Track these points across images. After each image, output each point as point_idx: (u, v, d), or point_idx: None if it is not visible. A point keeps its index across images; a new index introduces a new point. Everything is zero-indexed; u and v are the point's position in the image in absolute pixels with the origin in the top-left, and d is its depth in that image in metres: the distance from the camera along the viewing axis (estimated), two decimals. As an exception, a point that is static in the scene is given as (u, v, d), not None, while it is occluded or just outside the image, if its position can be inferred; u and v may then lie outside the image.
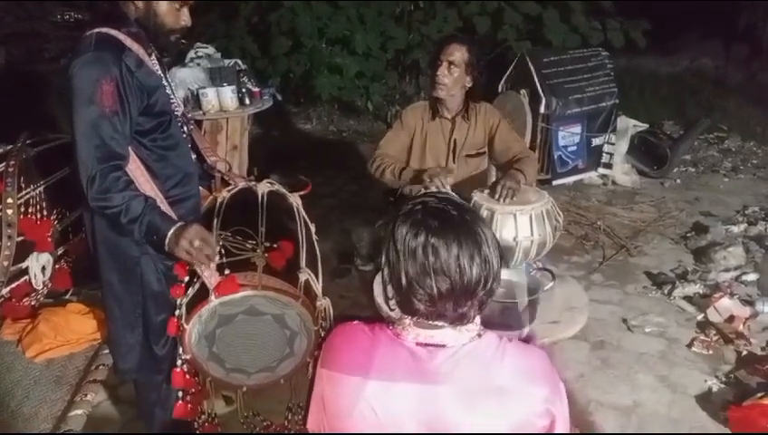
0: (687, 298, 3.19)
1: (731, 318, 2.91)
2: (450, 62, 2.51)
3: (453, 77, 2.53)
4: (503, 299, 1.92)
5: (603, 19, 5.88)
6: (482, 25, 5.86)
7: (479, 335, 1.10)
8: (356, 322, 1.16)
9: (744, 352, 2.75)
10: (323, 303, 1.68)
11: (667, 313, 3.10)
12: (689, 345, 2.84)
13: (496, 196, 2.16)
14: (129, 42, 1.61)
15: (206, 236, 1.55)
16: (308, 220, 1.80)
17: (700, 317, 3.03)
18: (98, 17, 1.65)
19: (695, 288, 3.23)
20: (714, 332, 2.88)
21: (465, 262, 1.04)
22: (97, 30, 1.59)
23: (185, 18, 1.71)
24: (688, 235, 3.97)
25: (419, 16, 6.15)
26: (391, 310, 1.13)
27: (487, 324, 1.15)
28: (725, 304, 2.96)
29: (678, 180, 5.04)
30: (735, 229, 3.95)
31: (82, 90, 1.53)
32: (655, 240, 3.94)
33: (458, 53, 2.51)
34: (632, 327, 2.98)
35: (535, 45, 5.69)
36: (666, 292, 3.27)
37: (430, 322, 1.09)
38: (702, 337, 2.86)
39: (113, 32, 1.60)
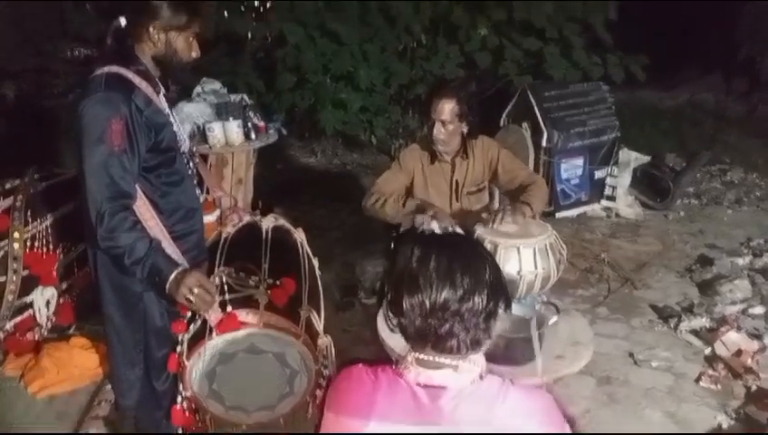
0: (694, 332, 3.16)
1: (739, 352, 2.87)
2: (443, 121, 2.51)
3: (448, 131, 2.54)
4: (508, 334, 1.92)
5: (603, 54, 5.97)
6: (483, 61, 5.96)
7: (481, 377, 1.09)
8: (360, 364, 1.16)
9: (754, 388, 2.70)
10: (324, 341, 1.67)
11: (673, 347, 3.07)
12: (697, 380, 2.80)
13: (492, 221, 2.19)
14: (137, 80, 1.65)
15: (206, 284, 1.57)
16: (311, 256, 1.81)
17: (707, 351, 2.99)
18: (106, 56, 1.68)
19: (701, 322, 3.20)
20: (722, 366, 2.84)
21: (439, 278, 1.06)
22: (107, 69, 1.63)
23: (195, 50, 1.76)
24: (693, 267, 3.95)
25: (422, 53, 6.26)
26: (391, 330, 1.14)
27: (492, 359, 1.14)
28: (733, 338, 2.93)
29: (682, 213, 5.04)
30: (741, 262, 3.93)
31: (93, 129, 1.56)
32: (660, 273, 3.92)
33: (448, 108, 2.49)
34: (639, 362, 2.94)
35: (536, 80, 5.77)
36: (672, 325, 3.24)
37: (428, 357, 1.09)
38: (710, 372, 2.83)
39: (122, 70, 1.64)
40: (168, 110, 1.76)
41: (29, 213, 2.15)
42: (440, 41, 6.19)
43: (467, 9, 5.98)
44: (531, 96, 4.73)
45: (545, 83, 5.47)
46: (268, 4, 6.16)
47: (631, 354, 3.00)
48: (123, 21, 1.67)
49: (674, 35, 7.79)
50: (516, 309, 2.06)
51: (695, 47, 8.00)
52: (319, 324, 1.69)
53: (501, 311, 1.10)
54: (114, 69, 1.63)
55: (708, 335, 3.07)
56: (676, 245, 4.35)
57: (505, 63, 5.93)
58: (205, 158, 3.82)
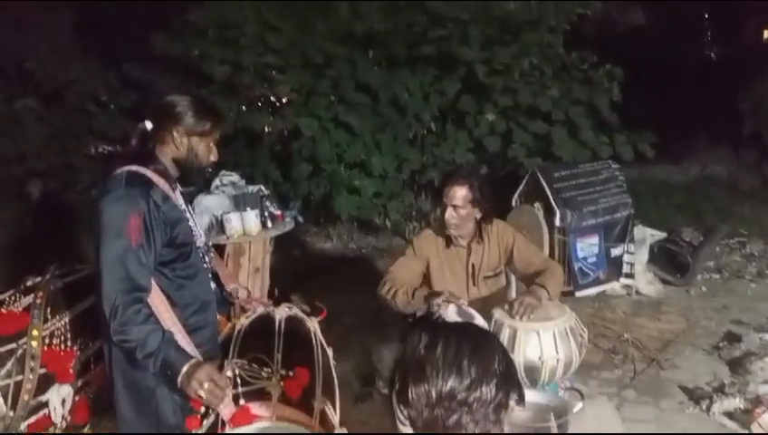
0: (728, 414, 3.01)
1: (778, 435, 2.73)
2: (455, 206, 2.56)
3: (460, 216, 2.58)
4: (531, 423, 1.85)
5: (610, 133, 6.09)
6: (492, 145, 6.10)
7: None
8: None
9: (798, 474, 2.55)
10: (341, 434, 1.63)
11: (707, 430, 2.92)
12: (737, 467, 2.65)
13: (513, 313, 2.15)
14: (156, 178, 1.73)
15: (217, 378, 1.56)
16: (325, 346, 1.80)
17: (745, 435, 2.85)
18: (128, 156, 1.77)
19: (735, 402, 3.06)
20: (762, 451, 2.69)
21: (445, 366, 1.04)
22: (127, 168, 1.71)
23: (214, 154, 1.85)
24: (721, 345, 3.83)
25: (432, 139, 6.44)
26: (401, 422, 1.11)
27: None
28: (770, 420, 2.80)
29: (704, 288, 4.94)
30: (770, 338, 3.81)
31: (112, 224, 1.62)
32: (686, 351, 3.80)
33: (460, 194, 2.54)
34: (672, 448, 2.80)
35: (545, 161, 5.86)
36: (704, 407, 3.10)
37: None
38: (750, 458, 2.68)
39: (142, 169, 1.72)
40: (183, 205, 1.82)
41: (48, 310, 2.17)
42: (449, 127, 6.39)
43: (474, 96, 6.20)
44: (541, 177, 4.79)
45: (555, 164, 5.54)
46: (284, 100, 6.45)
47: (664, 440, 2.87)
48: (149, 124, 1.77)
49: (678, 110, 7.97)
50: (539, 397, 2.00)
51: (700, 121, 8.15)
52: (334, 417, 1.65)
53: (513, 403, 1.08)
54: (134, 168, 1.71)
55: (744, 417, 2.93)
56: (700, 322, 4.24)
57: (514, 147, 6.06)
58: (222, 248, 3.87)
